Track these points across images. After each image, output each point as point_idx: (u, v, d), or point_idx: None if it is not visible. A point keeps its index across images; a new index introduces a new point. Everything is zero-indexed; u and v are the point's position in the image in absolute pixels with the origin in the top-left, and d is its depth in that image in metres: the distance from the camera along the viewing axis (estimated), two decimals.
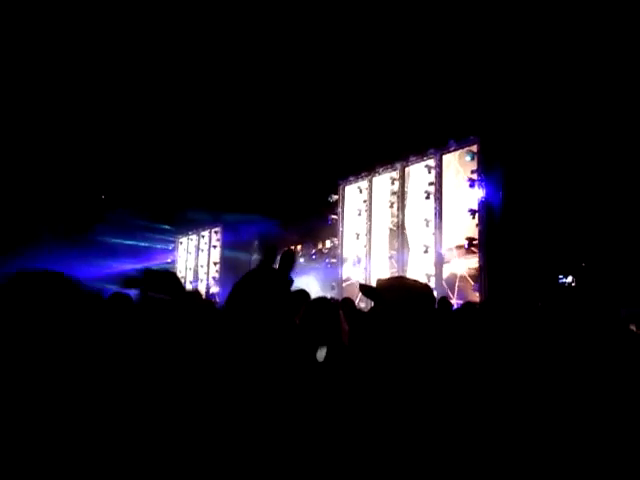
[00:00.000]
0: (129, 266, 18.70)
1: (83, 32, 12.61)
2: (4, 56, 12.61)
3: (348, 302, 4.39)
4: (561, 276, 9.52)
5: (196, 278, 19.47)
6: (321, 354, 2.43)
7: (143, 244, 20.30)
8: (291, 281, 1.44)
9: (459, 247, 10.96)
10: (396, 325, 1.49)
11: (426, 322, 1.54)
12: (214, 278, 18.28)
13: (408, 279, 1.61)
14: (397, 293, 1.51)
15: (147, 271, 1.82)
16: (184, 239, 20.89)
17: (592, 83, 8.91)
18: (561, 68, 9.27)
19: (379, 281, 1.57)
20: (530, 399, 1.66)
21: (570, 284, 9.37)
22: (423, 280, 2.83)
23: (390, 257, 12.61)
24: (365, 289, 1.61)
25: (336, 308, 2.86)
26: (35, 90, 13.98)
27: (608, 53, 8.77)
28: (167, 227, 20.23)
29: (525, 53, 9.72)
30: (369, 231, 13.50)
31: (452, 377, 1.53)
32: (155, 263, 20.47)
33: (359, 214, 13.79)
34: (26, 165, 16.19)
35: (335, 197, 14.60)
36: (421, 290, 1.54)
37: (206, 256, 19.08)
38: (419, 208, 12.08)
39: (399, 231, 12.53)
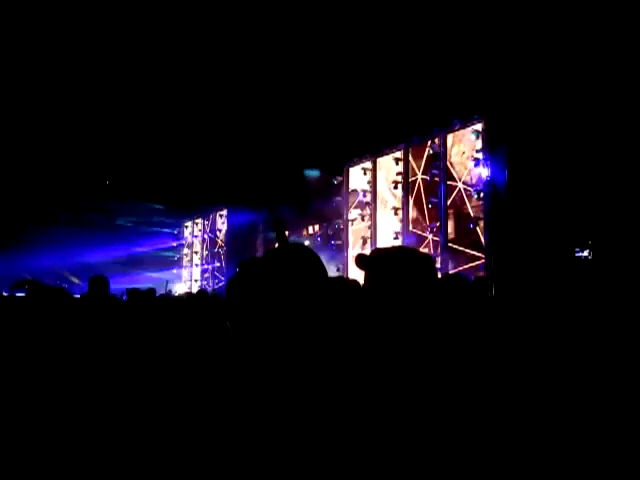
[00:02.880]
0: (136, 249, 18.79)
1: (75, 27, 12.52)
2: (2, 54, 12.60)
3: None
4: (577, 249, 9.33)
5: (202, 261, 19.54)
6: None
7: (148, 227, 20.35)
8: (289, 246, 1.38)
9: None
10: (388, 299, 1.41)
11: (424, 295, 1.46)
12: (220, 261, 18.34)
13: (407, 248, 1.55)
14: (393, 263, 1.44)
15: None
16: (189, 222, 20.90)
17: (597, 61, 8.79)
18: (566, 46, 9.14)
19: (376, 250, 1.51)
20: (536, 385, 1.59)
21: (582, 259, 9.24)
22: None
23: (395, 238, 12.59)
24: (359, 259, 1.52)
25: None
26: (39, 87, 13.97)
27: (614, 34, 8.63)
28: (172, 210, 20.23)
29: (530, 31, 9.57)
30: (374, 212, 13.47)
31: (450, 362, 1.43)
32: (160, 247, 20.55)
33: (364, 195, 13.75)
34: (32, 153, 16.22)
35: (339, 179, 14.54)
36: (420, 259, 1.50)
37: (212, 239, 19.11)
38: (424, 188, 12.02)
39: (404, 212, 12.49)
